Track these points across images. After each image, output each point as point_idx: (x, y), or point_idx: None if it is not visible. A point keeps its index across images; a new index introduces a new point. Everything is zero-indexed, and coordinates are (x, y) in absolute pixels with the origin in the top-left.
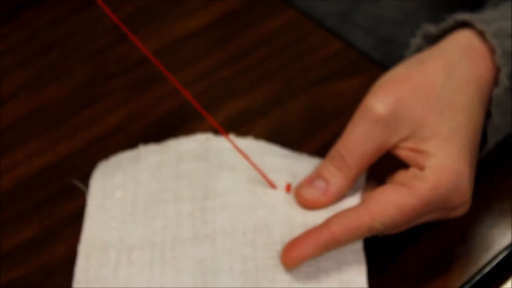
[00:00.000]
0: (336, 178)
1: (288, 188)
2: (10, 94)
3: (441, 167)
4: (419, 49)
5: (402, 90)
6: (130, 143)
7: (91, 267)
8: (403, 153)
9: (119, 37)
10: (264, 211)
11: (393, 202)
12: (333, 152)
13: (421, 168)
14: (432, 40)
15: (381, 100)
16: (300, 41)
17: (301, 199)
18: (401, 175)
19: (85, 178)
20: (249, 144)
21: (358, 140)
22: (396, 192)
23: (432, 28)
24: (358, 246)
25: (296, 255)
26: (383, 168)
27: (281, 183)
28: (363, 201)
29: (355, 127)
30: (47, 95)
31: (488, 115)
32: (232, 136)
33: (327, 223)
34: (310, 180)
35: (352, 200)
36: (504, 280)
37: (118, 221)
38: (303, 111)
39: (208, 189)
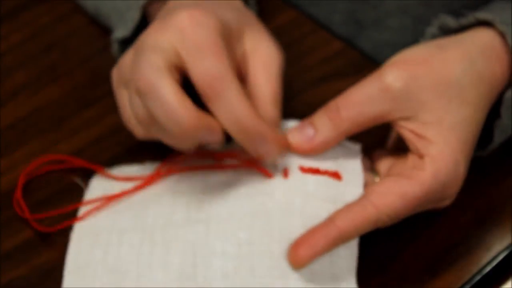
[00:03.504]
0: (325, 127)
1: (285, 173)
2: (10, 94)
3: (440, 156)
4: (433, 38)
5: (418, 70)
6: (130, 143)
7: (82, 252)
8: (404, 133)
9: None
10: (262, 197)
11: (396, 193)
12: (331, 103)
13: (420, 156)
14: (448, 32)
15: (396, 73)
16: (300, 41)
17: (287, 142)
18: (400, 166)
19: (85, 178)
20: None
21: (360, 99)
22: (398, 183)
23: (450, 21)
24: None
25: (304, 254)
26: (379, 158)
27: (278, 167)
28: (366, 195)
29: (361, 88)
30: (47, 95)
31: (496, 114)
32: None
33: (332, 219)
34: (301, 126)
35: (354, 191)
36: (504, 280)
37: (113, 211)
38: (303, 111)
39: (205, 182)
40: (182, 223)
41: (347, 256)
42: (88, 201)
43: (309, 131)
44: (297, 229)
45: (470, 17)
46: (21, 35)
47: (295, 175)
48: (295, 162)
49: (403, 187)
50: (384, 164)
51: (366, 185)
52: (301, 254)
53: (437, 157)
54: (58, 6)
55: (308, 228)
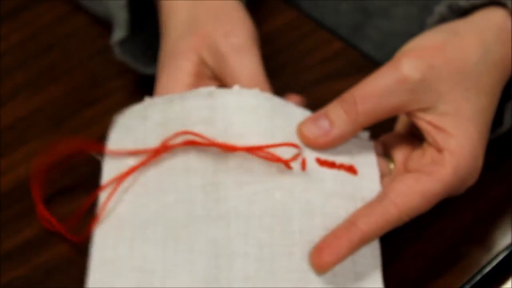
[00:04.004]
0: (341, 120)
1: (303, 164)
2: (10, 94)
3: (460, 151)
4: (442, 18)
5: (436, 58)
6: None
7: (108, 246)
8: (422, 124)
9: None
10: (280, 194)
11: (417, 192)
12: (347, 95)
13: (439, 149)
14: (458, 12)
15: (413, 63)
16: (300, 41)
17: (302, 135)
18: (418, 160)
19: (85, 178)
20: (255, 99)
21: (377, 91)
22: (419, 181)
23: (461, 1)
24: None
25: (329, 259)
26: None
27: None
28: (386, 193)
29: (378, 78)
30: (47, 95)
31: (506, 96)
32: (236, 87)
33: (354, 221)
34: (315, 118)
35: (372, 186)
36: (504, 280)
37: (132, 194)
38: None
39: (218, 161)
40: (202, 218)
41: (370, 255)
42: (105, 185)
43: (324, 124)
44: (318, 230)
45: None
46: (21, 35)
47: (313, 168)
48: (311, 154)
49: (425, 185)
50: (399, 152)
51: (382, 174)
52: (325, 259)
53: (457, 152)
54: (58, 6)
55: (328, 228)
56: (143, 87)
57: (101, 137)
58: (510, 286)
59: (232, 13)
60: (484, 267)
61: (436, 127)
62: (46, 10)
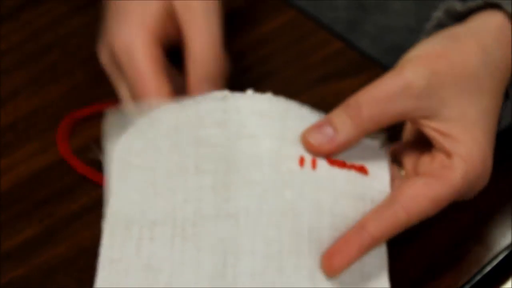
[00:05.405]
0: (345, 126)
1: (314, 163)
2: (10, 94)
3: (469, 155)
4: (440, 24)
5: (439, 65)
6: None
7: (115, 245)
8: (428, 131)
9: None
10: (290, 192)
11: (427, 196)
12: (351, 100)
13: (448, 154)
14: (455, 16)
15: (417, 70)
16: (300, 41)
17: (306, 143)
18: (427, 164)
19: (85, 177)
20: (268, 103)
21: (382, 96)
22: (428, 185)
23: (457, 5)
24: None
25: (339, 263)
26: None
27: (305, 155)
28: (395, 197)
29: (382, 85)
30: (47, 95)
31: (506, 96)
32: (250, 92)
33: (364, 226)
34: (319, 125)
35: (381, 188)
36: (504, 280)
37: (140, 193)
38: None
39: (229, 161)
40: (211, 217)
41: (377, 255)
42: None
43: (328, 131)
44: (326, 230)
45: (479, 0)
46: (21, 35)
47: (323, 168)
48: None
49: (434, 190)
50: (408, 158)
51: (392, 179)
52: (335, 264)
53: (467, 157)
54: (58, 6)
55: (337, 228)
56: None
57: (101, 138)
58: (510, 286)
59: None
60: (484, 267)
61: (442, 133)
62: (46, 10)
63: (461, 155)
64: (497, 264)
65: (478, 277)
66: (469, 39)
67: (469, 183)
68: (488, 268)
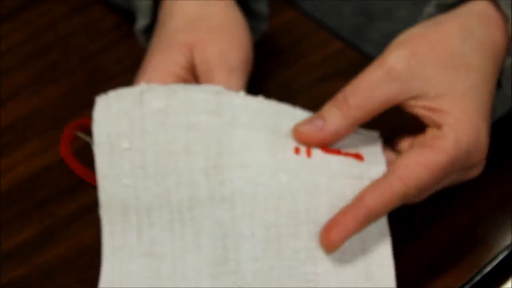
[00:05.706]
0: (334, 116)
1: (308, 152)
2: (10, 94)
3: (458, 122)
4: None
5: (418, 46)
6: None
7: (116, 233)
8: (417, 111)
9: (119, 37)
10: (286, 176)
11: (420, 164)
12: (338, 94)
13: (438, 126)
14: (446, 9)
15: (397, 54)
16: (300, 41)
17: (297, 133)
18: (419, 139)
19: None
20: (261, 103)
21: (366, 85)
22: (421, 154)
23: None
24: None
25: (336, 237)
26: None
27: (300, 146)
28: (391, 169)
29: (366, 75)
30: (47, 95)
31: (498, 85)
32: (242, 93)
33: (360, 198)
34: (310, 119)
35: (378, 169)
36: (504, 280)
37: (131, 177)
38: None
39: (222, 144)
40: (206, 200)
41: (378, 233)
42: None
43: (319, 122)
44: (324, 209)
45: None
46: (21, 35)
47: (319, 155)
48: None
49: (427, 156)
50: (404, 143)
51: (389, 162)
52: (333, 237)
53: (456, 124)
54: (58, 6)
55: (335, 207)
56: None
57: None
58: (510, 286)
59: (234, 30)
60: (484, 267)
61: (431, 109)
62: (46, 10)
63: (451, 124)
64: (497, 264)
65: (478, 277)
66: (451, 21)
67: (463, 150)
68: (488, 268)
